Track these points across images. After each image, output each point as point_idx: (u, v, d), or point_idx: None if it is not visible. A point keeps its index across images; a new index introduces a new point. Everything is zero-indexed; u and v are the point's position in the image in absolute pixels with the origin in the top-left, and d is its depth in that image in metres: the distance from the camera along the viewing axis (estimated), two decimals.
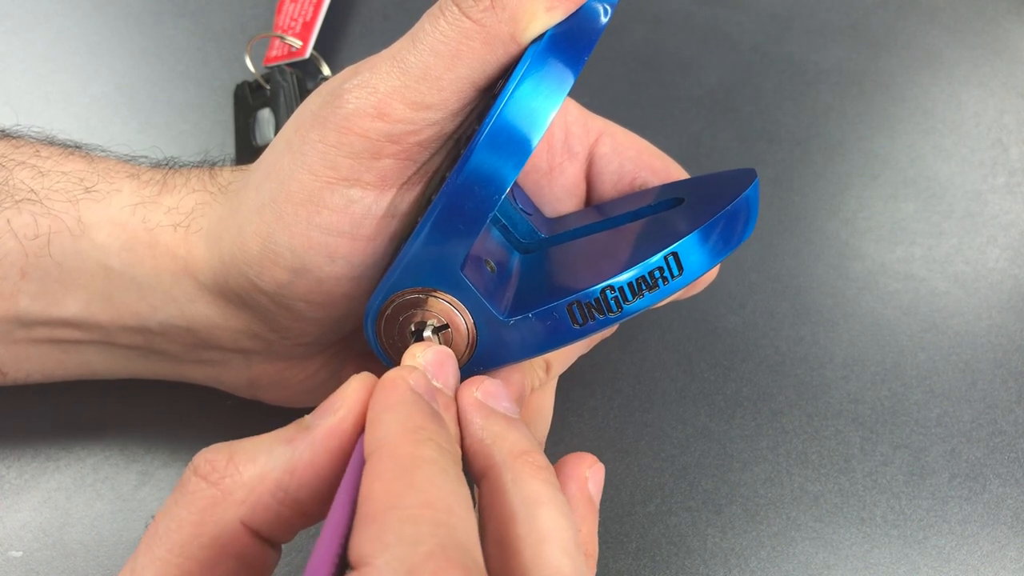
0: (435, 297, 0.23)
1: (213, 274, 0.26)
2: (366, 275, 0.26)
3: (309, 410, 0.30)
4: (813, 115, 0.43)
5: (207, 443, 0.33)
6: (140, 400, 0.33)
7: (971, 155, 0.42)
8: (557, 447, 0.33)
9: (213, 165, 0.29)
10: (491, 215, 0.22)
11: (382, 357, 0.25)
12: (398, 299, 0.23)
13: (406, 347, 0.24)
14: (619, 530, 0.32)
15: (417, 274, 0.23)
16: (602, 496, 0.32)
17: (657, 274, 0.23)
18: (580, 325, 0.23)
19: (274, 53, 0.42)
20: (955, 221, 0.40)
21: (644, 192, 0.30)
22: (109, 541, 0.31)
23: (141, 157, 0.30)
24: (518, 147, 0.22)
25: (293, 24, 0.43)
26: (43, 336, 0.28)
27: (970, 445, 0.34)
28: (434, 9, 0.23)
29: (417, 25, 0.24)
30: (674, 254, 0.23)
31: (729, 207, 0.24)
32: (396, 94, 0.23)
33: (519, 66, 0.22)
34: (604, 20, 0.23)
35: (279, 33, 0.42)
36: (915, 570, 0.32)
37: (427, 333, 0.24)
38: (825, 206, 0.40)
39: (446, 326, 0.24)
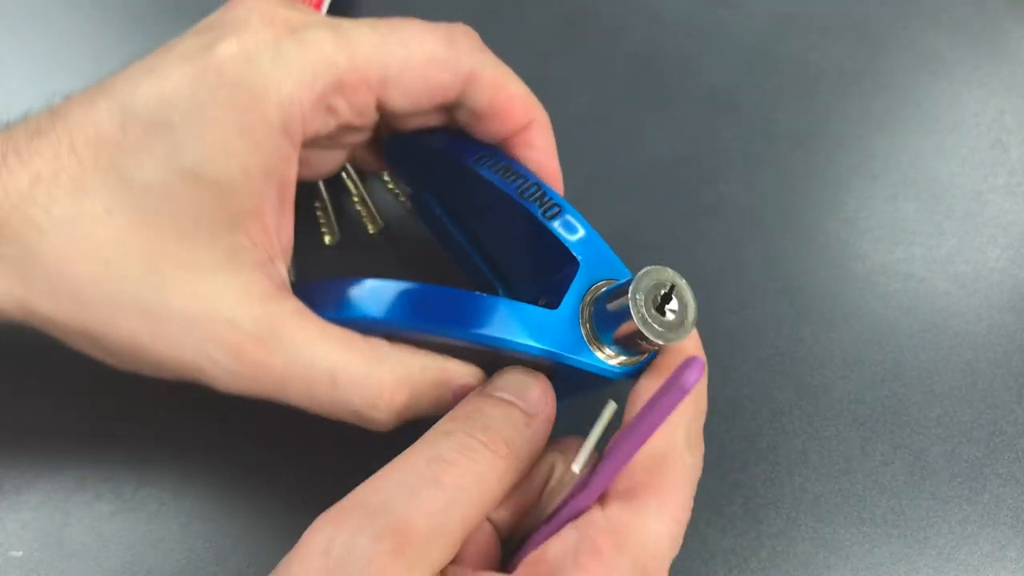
0: None
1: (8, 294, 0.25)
2: None
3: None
4: (813, 115, 0.43)
5: (208, 443, 0.33)
6: (140, 400, 0.33)
7: (971, 155, 0.42)
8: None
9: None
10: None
11: None
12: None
13: None
14: None
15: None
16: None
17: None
18: None
19: None
20: (955, 221, 0.40)
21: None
22: (109, 541, 0.31)
23: None
24: None
25: None
26: None
27: (970, 445, 0.34)
28: None
29: None
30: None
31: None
32: None
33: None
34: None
35: None
36: (915, 570, 0.32)
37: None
38: (825, 206, 0.40)
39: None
